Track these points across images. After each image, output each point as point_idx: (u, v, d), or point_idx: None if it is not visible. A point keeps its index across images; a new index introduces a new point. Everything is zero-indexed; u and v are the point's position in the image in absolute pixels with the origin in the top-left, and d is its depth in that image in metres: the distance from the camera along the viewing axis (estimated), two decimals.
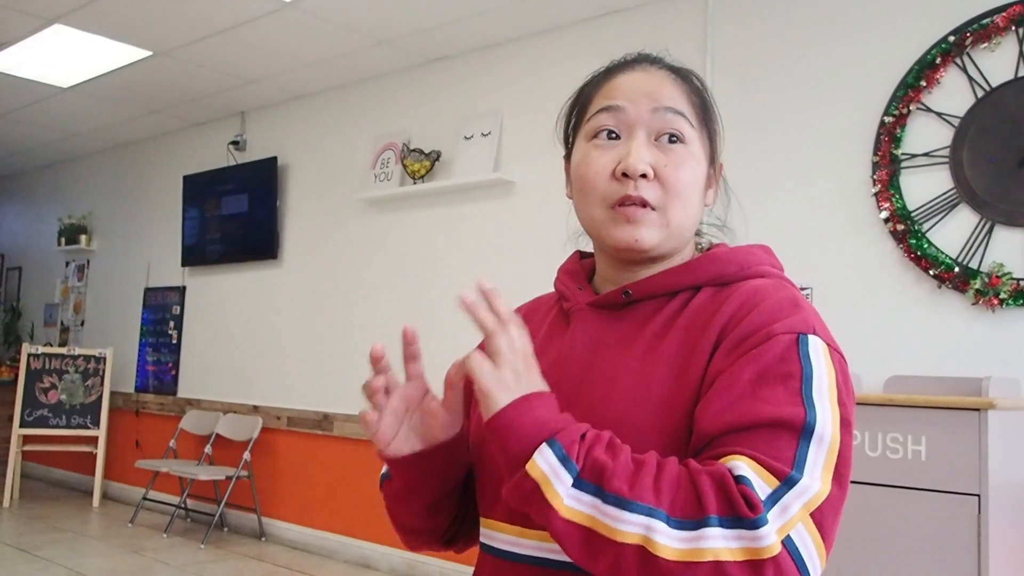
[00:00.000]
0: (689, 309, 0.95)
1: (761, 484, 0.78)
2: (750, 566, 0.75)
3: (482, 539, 1.00)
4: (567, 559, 0.82)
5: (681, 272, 0.97)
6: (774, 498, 0.78)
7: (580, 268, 1.08)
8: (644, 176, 0.94)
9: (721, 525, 0.76)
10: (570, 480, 0.79)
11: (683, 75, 1.01)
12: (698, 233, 1.06)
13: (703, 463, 0.81)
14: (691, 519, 0.76)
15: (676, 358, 0.91)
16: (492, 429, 0.83)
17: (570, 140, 1.05)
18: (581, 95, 1.04)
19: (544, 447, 0.80)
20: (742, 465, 0.79)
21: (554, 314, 1.07)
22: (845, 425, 0.86)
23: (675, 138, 0.96)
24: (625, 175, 0.94)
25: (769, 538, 0.75)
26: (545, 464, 0.79)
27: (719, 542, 0.75)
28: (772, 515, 0.77)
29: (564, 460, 0.79)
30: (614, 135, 0.97)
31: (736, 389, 0.84)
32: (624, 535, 0.76)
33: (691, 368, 0.89)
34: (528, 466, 0.80)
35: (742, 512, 0.76)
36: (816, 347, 0.87)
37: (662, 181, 0.95)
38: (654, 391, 0.89)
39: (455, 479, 1.00)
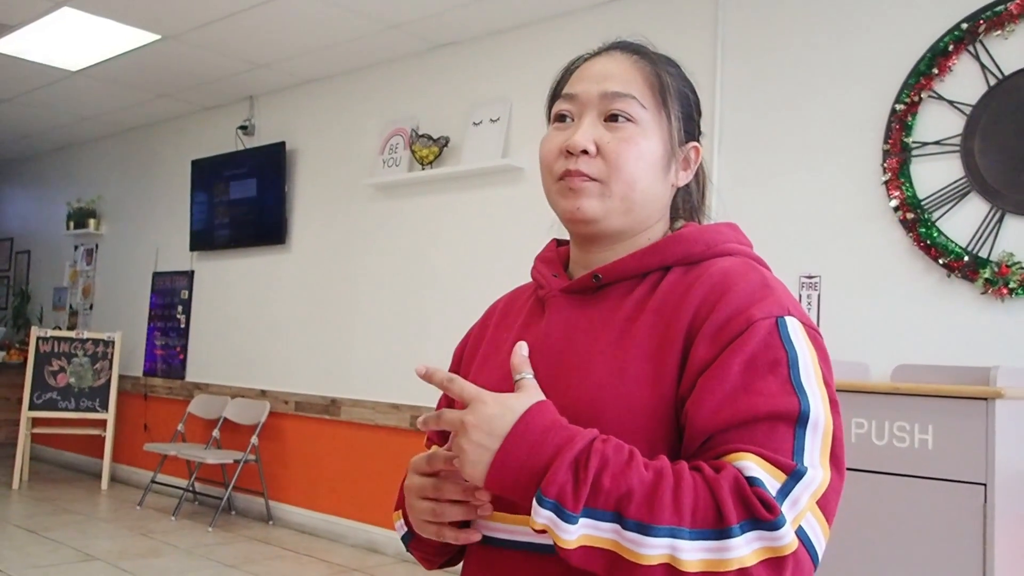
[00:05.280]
0: (659, 290, 0.96)
1: (771, 481, 0.80)
2: (773, 564, 0.78)
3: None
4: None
5: (649, 253, 1.00)
6: (784, 492, 0.80)
7: (556, 256, 1.12)
8: (586, 152, 0.98)
9: (743, 532, 0.78)
10: (572, 528, 0.80)
11: (649, 58, 1.03)
12: (676, 217, 1.09)
13: (710, 464, 0.83)
14: (713, 529, 0.78)
15: (649, 339, 0.93)
16: (495, 491, 0.87)
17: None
18: (557, 84, 1.09)
19: (535, 505, 0.81)
20: (751, 465, 0.81)
21: (531, 303, 1.10)
22: (833, 405, 0.88)
23: (622, 118, 0.99)
24: (570, 152, 0.99)
25: (788, 536, 0.78)
26: (543, 518, 0.81)
27: (743, 549, 0.78)
28: (785, 509, 0.79)
29: (558, 510, 0.80)
30: (569, 119, 1.03)
31: (727, 384, 0.85)
32: (649, 558, 0.78)
33: (666, 350, 0.91)
34: (531, 522, 0.82)
35: (761, 515, 0.78)
36: (795, 328, 0.89)
37: (605, 156, 0.99)
38: (628, 372, 0.91)
39: None
